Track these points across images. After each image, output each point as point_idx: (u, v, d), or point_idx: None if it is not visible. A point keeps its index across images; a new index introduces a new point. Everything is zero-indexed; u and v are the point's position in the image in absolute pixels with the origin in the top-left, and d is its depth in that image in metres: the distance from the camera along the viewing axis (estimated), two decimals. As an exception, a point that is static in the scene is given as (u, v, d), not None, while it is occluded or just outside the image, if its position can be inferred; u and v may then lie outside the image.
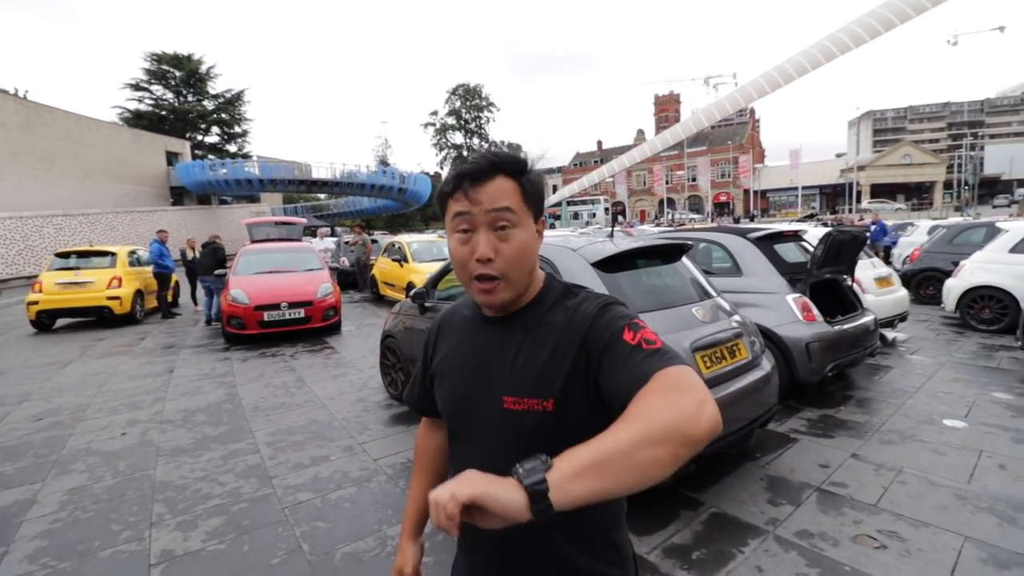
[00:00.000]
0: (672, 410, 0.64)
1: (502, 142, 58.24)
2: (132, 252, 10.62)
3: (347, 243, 15.02)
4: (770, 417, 3.23)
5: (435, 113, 57.91)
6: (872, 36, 22.25)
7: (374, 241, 14.69)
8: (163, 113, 38.01)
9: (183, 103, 39.16)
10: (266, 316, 7.43)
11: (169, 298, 10.70)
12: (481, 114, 57.29)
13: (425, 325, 4.39)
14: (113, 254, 9.97)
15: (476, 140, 57.51)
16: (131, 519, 2.91)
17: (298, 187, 33.01)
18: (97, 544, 2.67)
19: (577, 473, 0.61)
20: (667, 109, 66.63)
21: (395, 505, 2.96)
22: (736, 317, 3.31)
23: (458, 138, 57.52)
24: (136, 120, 36.66)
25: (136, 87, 37.73)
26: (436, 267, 8.77)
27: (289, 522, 2.82)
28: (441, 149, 57.85)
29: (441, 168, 58.42)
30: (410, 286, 9.65)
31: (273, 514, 2.91)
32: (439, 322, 1.08)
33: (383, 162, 51.55)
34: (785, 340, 4.22)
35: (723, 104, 30.21)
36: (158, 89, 38.45)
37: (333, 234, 22.44)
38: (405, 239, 11.68)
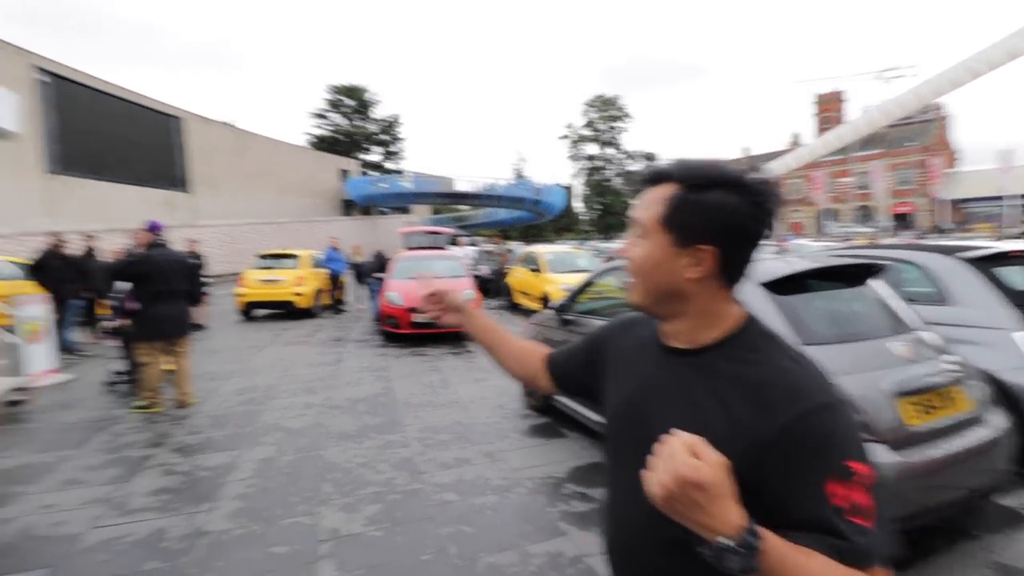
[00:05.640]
0: None
1: (636, 152, 56.67)
2: (313, 255, 12.39)
3: (487, 252, 15.77)
4: (997, 487, 2.58)
5: (570, 126, 58.43)
6: None
7: (509, 251, 15.22)
8: (338, 136, 44.18)
9: (353, 127, 45.07)
10: (416, 317, 8.07)
11: (339, 297, 12.25)
12: (615, 124, 56.42)
13: (563, 337, 4.35)
14: (298, 256, 11.73)
15: (610, 150, 56.77)
16: (307, 494, 3.29)
17: (444, 199, 35.80)
18: (279, 513, 3.06)
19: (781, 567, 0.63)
20: (830, 108, 58.99)
21: (536, 521, 2.94)
22: (952, 357, 2.70)
23: (592, 149, 57.35)
24: (319, 143, 43.16)
25: (319, 116, 44.53)
26: (570, 278, 8.78)
27: (436, 520, 2.95)
28: (575, 160, 58.15)
29: (575, 179, 58.69)
30: (544, 296, 9.76)
31: (422, 509, 3.08)
32: (615, 327, 1.05)
33: (519, 175, 53.41)
34: (1014, 389, 3.35)
35: (905, 99, 25.84)
36: (335, 116, 44.85)
37: (473, 243, 23.84)
38: (540, 249, 11.89)
